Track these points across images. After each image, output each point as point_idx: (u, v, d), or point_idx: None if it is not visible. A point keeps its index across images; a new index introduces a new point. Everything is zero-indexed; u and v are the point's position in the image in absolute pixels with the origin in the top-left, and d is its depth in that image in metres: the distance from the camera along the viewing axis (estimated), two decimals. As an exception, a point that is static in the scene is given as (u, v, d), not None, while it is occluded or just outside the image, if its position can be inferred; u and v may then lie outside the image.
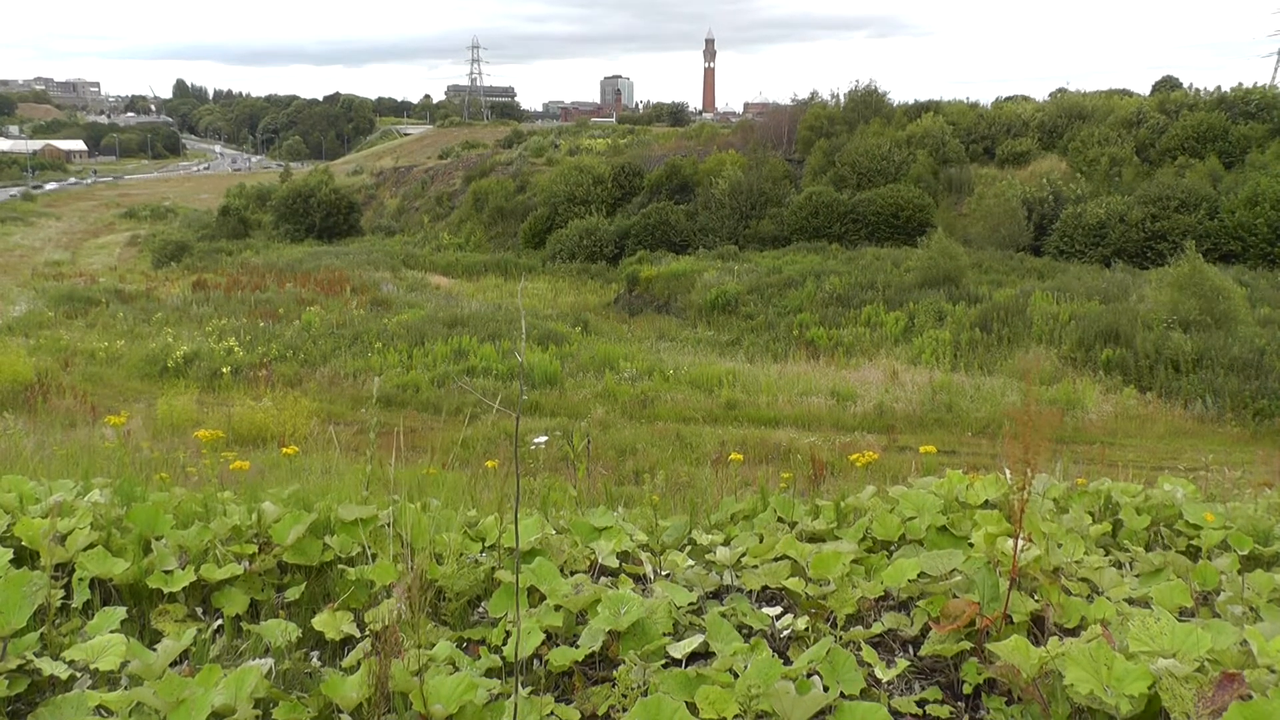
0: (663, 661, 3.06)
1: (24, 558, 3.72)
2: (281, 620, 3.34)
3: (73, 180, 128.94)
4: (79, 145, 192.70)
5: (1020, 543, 3.30)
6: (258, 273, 54.72)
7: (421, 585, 3.49)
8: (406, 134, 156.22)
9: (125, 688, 2.93)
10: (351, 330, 36.48)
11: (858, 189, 59.69)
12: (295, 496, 4.41)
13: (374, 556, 3.90)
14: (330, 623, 3.36)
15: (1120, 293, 38.93)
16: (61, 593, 3.43)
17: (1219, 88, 64.21)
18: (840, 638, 3.34)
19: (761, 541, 4.12)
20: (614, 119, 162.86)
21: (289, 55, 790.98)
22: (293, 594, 3.73)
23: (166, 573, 3.62)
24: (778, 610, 3.59)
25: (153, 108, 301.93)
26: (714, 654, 3.11)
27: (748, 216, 61.09)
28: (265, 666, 2.95)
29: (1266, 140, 55.50)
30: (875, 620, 3.53)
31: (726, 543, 4.28)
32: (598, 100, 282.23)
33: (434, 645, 3.16)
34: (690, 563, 4.07)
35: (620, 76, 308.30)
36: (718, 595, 3.85)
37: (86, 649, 2.96)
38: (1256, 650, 2.80)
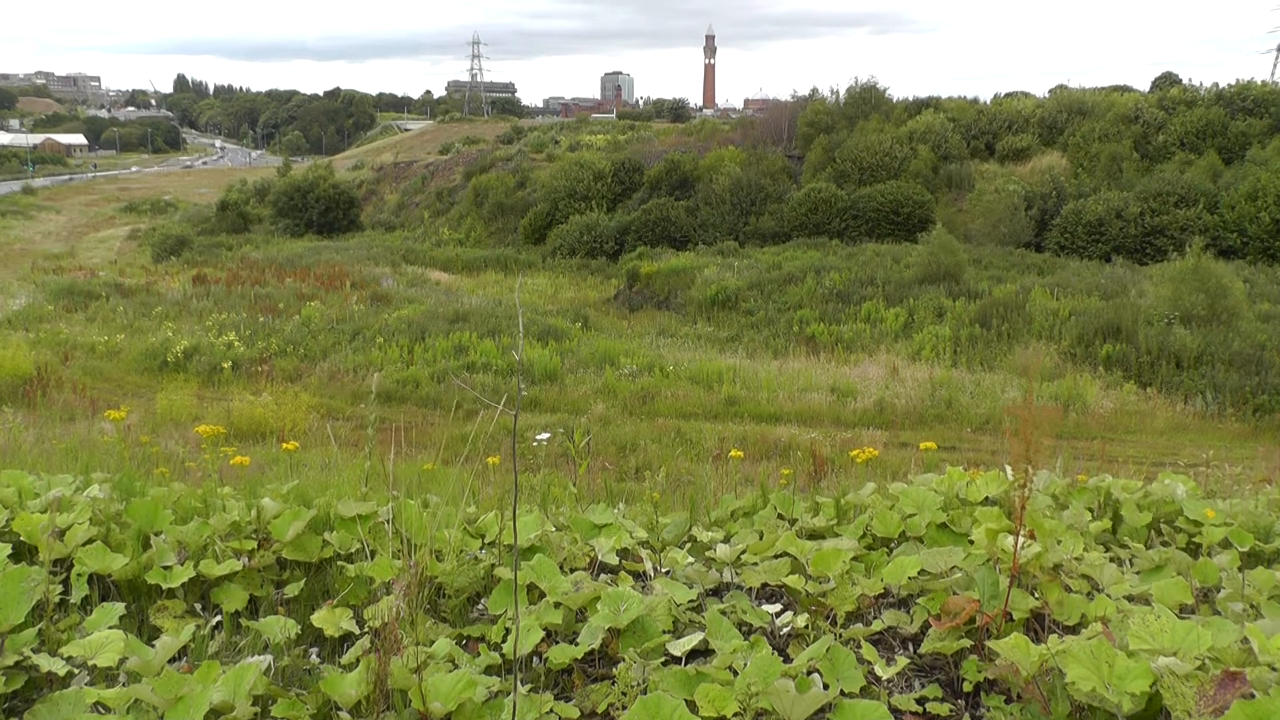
0: (662, 659, 3.06)
1: (22, 553, 3.72)
2: (280, 617, 3.33)
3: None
4: (79, 139, 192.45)
5: (1020, 540, 3.29)
6: (257, 267, 54.66)
7: (421, 582, 3.48)
8: (407, 129, 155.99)
9: (123, 684, 2.92)
10: (351, 325, 36.44)
11: (858, 185, 59.62)
12: (295, 492, 4.40)
13: (373, 553, 3.90)
14: (329, 619, 3.36)
15: (1120, 288, 38.94)
16: (60, 588, 3.43)
17: (1216, 84, 64.25)
18: (840, 635, 3.33)
19: (761, 538, 4.11)
20: (614, 115, 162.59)
21: (291, 50, 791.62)
22: (292, 590, 3.72)
23: (165, 568, 3.62)
24: (777, 607, 3.59)
25: (153, 102, 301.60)
26: (714, 651, 3.10)
27: (748, 212, 61.03)
28: (264, 663, 2.94)
29: (1266, 136, 55.52)
30: (875, 618, 3.53)
31: (726, 540, 4.28)
32: (598, 96, 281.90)
33: (433, 642, 3.15)
34: (690, 560, 4.07)
35: (621, 72, 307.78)
36: (717, 592, 3.85)
37: (85, 645, 2.95)
38: (1257, 648, 2.79)
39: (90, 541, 3.70)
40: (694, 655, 3.17)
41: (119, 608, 3.22)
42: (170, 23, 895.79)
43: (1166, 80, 79.63)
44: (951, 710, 2.97)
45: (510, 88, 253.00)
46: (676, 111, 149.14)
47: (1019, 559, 3.27)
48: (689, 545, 4.36)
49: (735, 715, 2.69)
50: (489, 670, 3.10)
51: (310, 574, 3.88)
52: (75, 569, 3.54)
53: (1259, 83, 62.46)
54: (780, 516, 4.55)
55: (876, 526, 4.13)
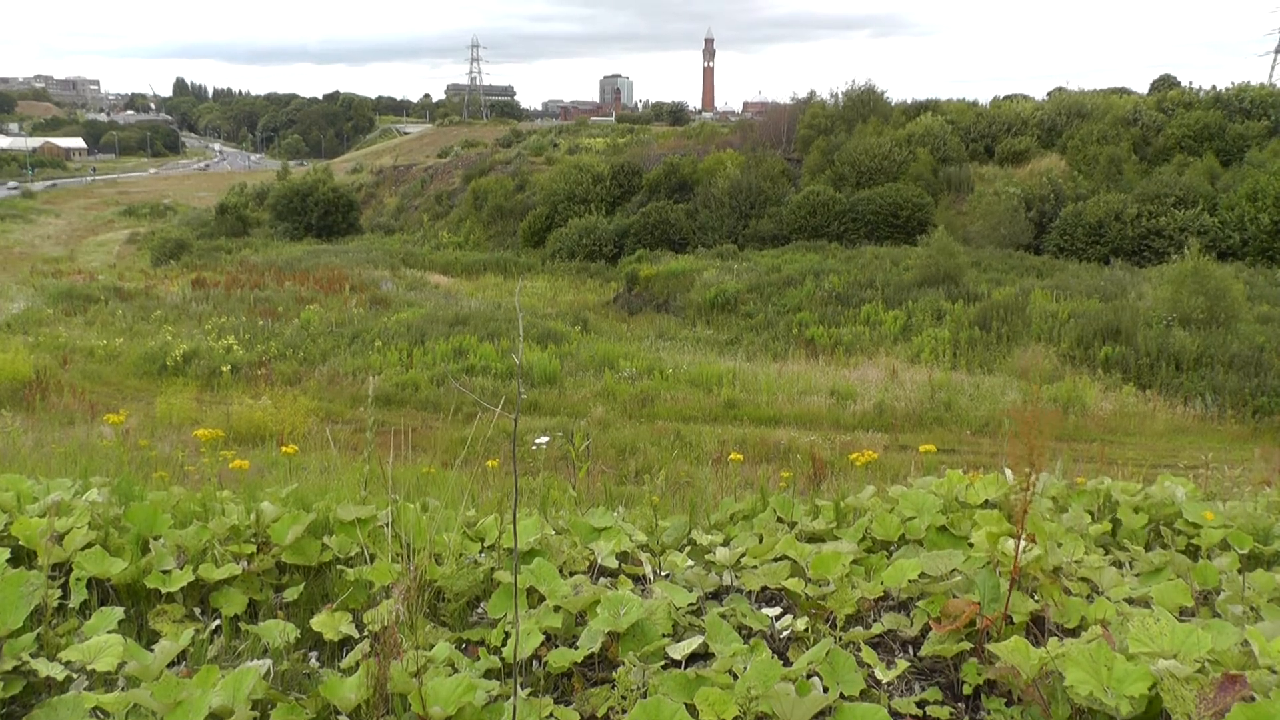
0: (662, 663, 3.05)
1: (21, 557, 3.71)
2: (280, 621, 3.33)
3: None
4: (78, 143, 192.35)
5: (1021, 543, 3.29)
6: (257, 271, 54.64)
7: (420, 586, 3.48)
8: (406, 133, 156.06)
9: (122, 689, 2.91)
10: (351, 329, 36.43)
11: (857, 188, 59.64)
12: (294, 496, 4.39)
13: (373, 557, 3.89)
14: (329, 623, 3.35)
15: (1119, 290, 38.95)
16: (58, 593, 3.42)
17: (1214, 86, 64.25)
18: (840, 638, 3.33)
19: (761, 542, 4.11)
20: (613, 118, 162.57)
21: (291, 54, 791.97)
22: (291, 594, 3.72)
23: (164, 573, 3.61)
24: (777, 611, 3.58)
25: (152, 106, 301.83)
26: (713, 655, 3.10)
27: (747, 215, 61.02)
28: (263, 667, 2.94)
29: (1264, 138, 55.59)
30: (875, 621, 3.52)
31: (726, 543, 4.27)
32: (597, 99, 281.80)
33: (433, 646, 3.15)
34: (690, 563, 4.06)
35: (620, 76, 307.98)
36: (717, 596, 3.85)
37: (83, 650, 2.95)
38: (1258, 651, 2.79)
39: (89, 545, 3.69)
40: (694, 659, 3.16)
41: (118, 612, 3.22)
42: (170, 27, 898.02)
43: (1165, 82, 79.68)
44: (952, 713, 2.96)
45: (509, 91, 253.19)
46: (675, 114, 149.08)
47: (1019, 562, 3.27)
48: (688, 548, 4.36)
49: (735, 719, 2.69)
50: (489, 674, 3.09)
51: (309, 578, 3.88)
52: (74, 573, 3.54)
53: (1257, 85, 62.52)
54: (780, 519, 4.54)
55: (876, 529, 4.12)
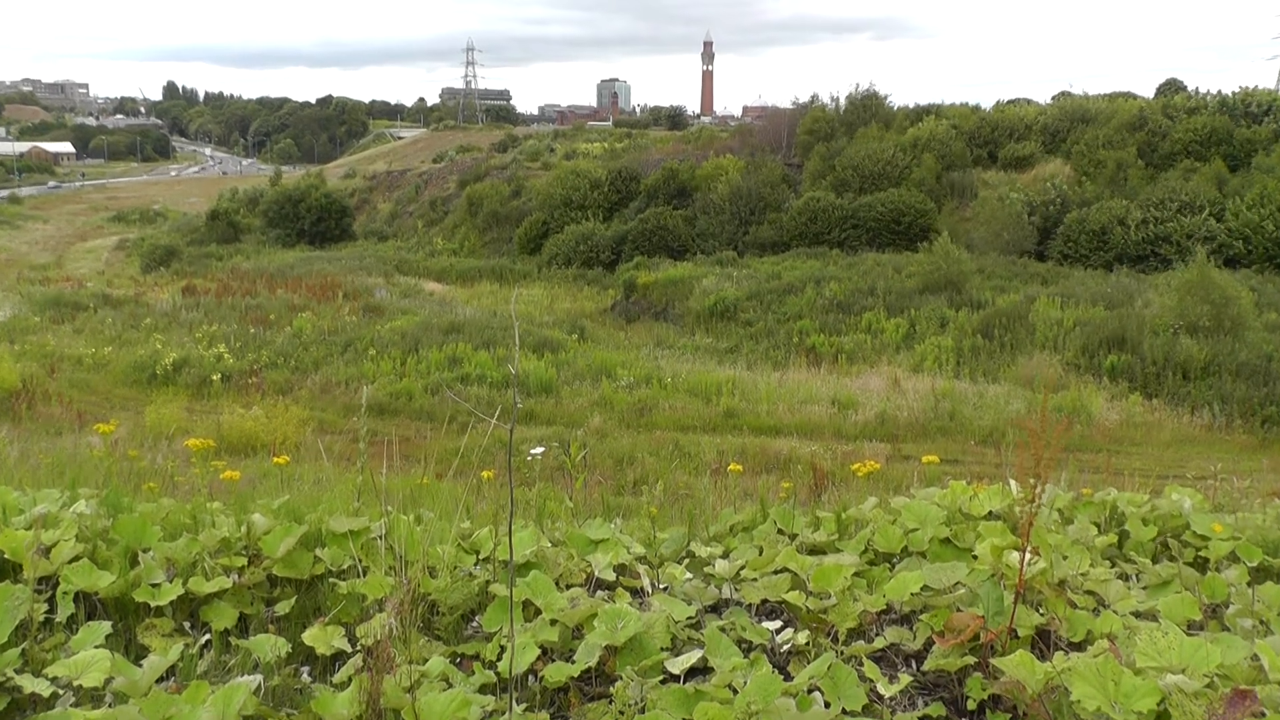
0: (660, 677, 3.02)
1: (6, 570, 3.66)
2: (271, 635, 3.29)
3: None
4: (67, 147, 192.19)
5: (1026, 555, 3.25)
6: (248, 278, 54.64)
7: (414, 599, 3.43)
8: (400, 137, 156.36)
9: (110, 705, 2.87)
10: (344, 337, 36.39)
11: (858, 193, 59.52)
12: (286, 508, 4.35)
13: (366, 570, 3.85)
14: (321, 637, 3.31)
15: (1125, 298, 38.82)
16: (45, 607, 3.37)
17: (1220, 91, 64.27)
18: (842, 652, 3.29)
19: (761, 554, 4.07)
20: (610, 123, 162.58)
21: (284, 57, 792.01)
22: (283, 608, 3.67)
23: (153, 586, 3.56)
24: (778, 624, 3.54)
25: (142, 110, 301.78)
26: (713, 669, 3.06)
27: (746, 222, 61.02)
28: (254, 683, 2.89)
29: (1271, 143, 55.38)
30: (877, 634, 3.49)
31: (725, 555, 4.23)
32: (594, 104, 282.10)
33: (427, 661, 3.11)
34: (689, 576, 4.02)
35: (617, 79, 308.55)
36: (716, 609, 3.81)
37: (70, 665, 2.90)
38: (1267, 665, 2.77)
39: (76, 558, 3.65)
40: (693, 673, 3.13)
41: (105, 626, 3.17)
42: (160, 29, 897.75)
43: (1171, 87, 79.75)
44: (956, 729, 2.93)
45: (505, 95, 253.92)
46: (674, 119, 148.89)
47: (1024, 575, 3.23)
48: (687, 561, 4.32)
49: (735, 735, 2.64)
50: (484, 689, 3.05)
51: (301, 591, 3.84)
52: (61, 587, 3.49)
53: (1263, 89, 62.52)
54: (780, 531, 4.50)
55: (878, 541, 4.09)
